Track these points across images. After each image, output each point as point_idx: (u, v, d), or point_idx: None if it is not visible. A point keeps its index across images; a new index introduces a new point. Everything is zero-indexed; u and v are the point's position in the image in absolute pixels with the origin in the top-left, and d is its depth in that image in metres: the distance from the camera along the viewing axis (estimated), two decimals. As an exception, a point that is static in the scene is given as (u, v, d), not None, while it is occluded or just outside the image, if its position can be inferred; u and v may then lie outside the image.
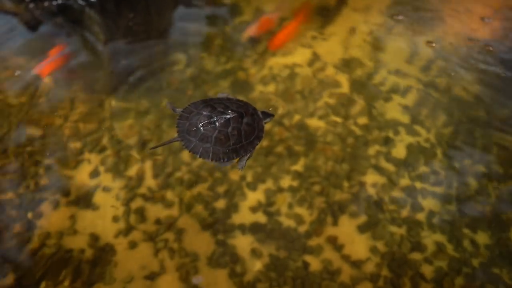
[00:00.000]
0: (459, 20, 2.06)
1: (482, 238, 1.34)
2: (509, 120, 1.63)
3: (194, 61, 1.92)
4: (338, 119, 1.69)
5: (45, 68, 1.85)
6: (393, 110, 1.70)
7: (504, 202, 1.41)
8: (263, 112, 1.23)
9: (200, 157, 1.10)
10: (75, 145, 1.62)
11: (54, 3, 1.95)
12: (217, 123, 1.08)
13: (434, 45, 1.94)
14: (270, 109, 1.19)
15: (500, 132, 1.60)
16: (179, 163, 1.58)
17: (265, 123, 1.22)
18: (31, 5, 1.94)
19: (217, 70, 1.88)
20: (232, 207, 1.48)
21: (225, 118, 1.09)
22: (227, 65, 1.91)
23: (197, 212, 1.47)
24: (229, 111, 1.11)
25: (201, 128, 1.09)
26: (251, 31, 1.91)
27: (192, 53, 1.96)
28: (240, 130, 1.10)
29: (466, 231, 1.35)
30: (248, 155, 1.15)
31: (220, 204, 1.48)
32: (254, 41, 1.91)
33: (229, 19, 2.15)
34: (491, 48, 1.89)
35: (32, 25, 1.96)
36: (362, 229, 1.41)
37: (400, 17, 2.08)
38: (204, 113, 1.11)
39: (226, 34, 2.06)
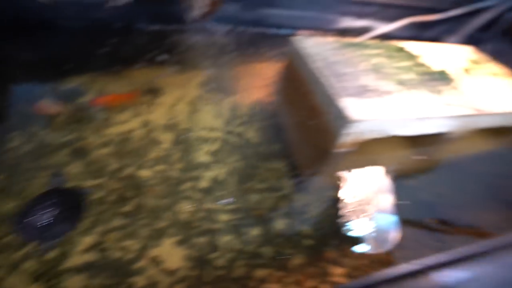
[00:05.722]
0: (251, 87, 3.03)
1: (255, 231, 1.99)
2: (276, 153, 2.49)
3: (34, 137, 2.22)
4: (162, 167, 2.23)
5: None
6: (202, 156, 2.36)
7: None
8: None
9: None
10: None
11: None
12: None
13: (233, 106, 2.79)
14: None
15: (268, 162, 2.42)
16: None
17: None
18: None
19: (57, 142, 2.23)
20: (63, 255, 1.74)
21: None
22: (69, 137, 2.28)
23: (25, 269, 1.66)
24: None
25: None
26: None
27: (34, 130, 2.26)
28: None
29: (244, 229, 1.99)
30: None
31: (52, 254, 1.73)
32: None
33: (73, 98, 2.58)
34: (267, 105, 2.86)
35: None
36: (178, 244, 1.88)
37: (211, 87, 2.93)
38: None
39: (69, 112, 2.46)
